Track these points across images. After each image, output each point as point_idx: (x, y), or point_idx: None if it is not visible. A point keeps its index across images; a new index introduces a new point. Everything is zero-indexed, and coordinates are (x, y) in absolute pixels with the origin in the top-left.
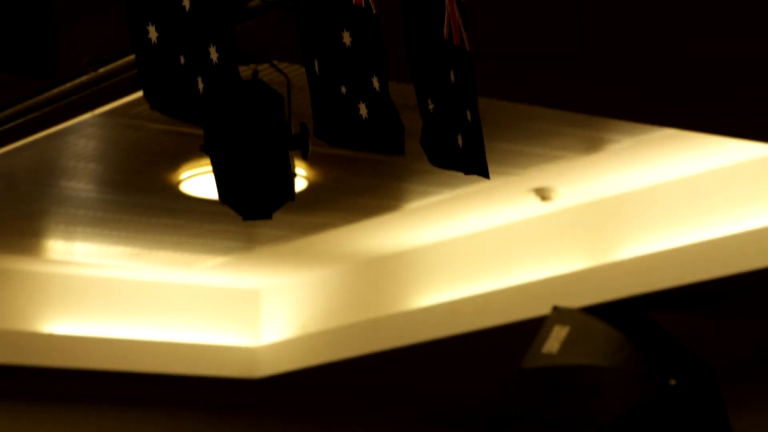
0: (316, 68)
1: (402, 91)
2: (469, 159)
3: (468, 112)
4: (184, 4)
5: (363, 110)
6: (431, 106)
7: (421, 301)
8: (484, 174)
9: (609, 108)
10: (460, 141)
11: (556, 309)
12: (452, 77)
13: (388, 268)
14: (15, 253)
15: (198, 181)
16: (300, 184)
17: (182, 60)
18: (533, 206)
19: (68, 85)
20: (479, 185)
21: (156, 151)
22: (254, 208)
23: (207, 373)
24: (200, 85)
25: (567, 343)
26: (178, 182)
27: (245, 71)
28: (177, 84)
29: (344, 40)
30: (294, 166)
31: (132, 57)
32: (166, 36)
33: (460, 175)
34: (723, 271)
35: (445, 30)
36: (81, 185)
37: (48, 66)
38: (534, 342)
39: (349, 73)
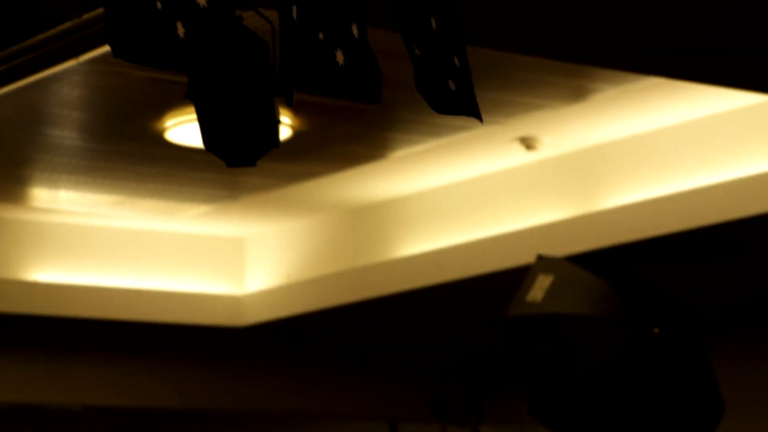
0: (294, 14)
1: (388, 39)
2: (463, 103)
3: (456, 59)
4: None
5: (340, 57)
6: (417, 53)
7: (406, 249)
8: (478, 117)
9: (594, 56)
10: (452, 86)
11: (540, 258)
12: (434, 24)
13: (373, 217)
14: None
15: (183, 129)
16: (284, 132)
17: (159, 5)
18: (518, 155)
19: (52, 31)
20: (464, 134)
21: (141, 99)
22: (239, 154)
23: (191, 322)
24: (180, 30)
25: (551, 292)
26: (163, 130)
27: None
28: (152, 30)
29: None
30: (279, 113)
31: None
32: None
33: (445, 123)
34: (708, 220)
35: None
36: (65, 133)
37: (27, 8)
38: (518, 291)
39: (327, 19)
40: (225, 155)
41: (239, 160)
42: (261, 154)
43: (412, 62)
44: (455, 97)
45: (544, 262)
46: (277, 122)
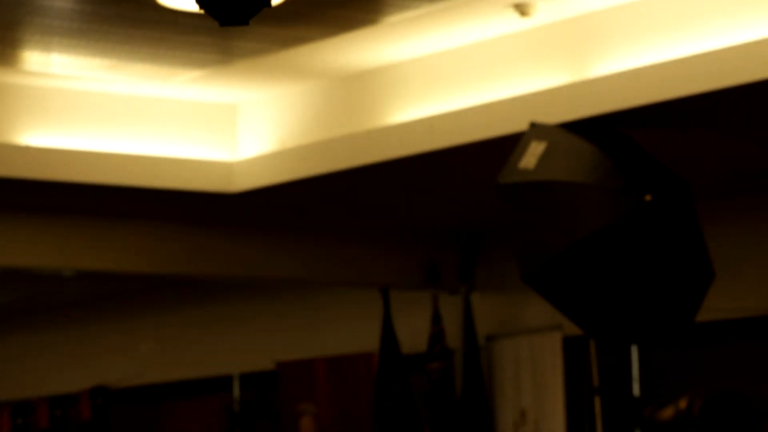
0: None
1: None
2: None
3: None
4: None
5: None
6: None
7: (399, 116)
8: None
9: None
10: None
11: (533, 125)
12: None
13: (367, 83)
14: None
15: None
16: None
17: None
18: (512, 21)
19: None
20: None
21: None
22: (231, 14)
23: (183, 187)
24: None
25: (544, 159)
26: None
27: None
28: None
29: None
30: None
31: None
32: None
33: None
34: (700, 88)
35: None
36: None
37: None
38: (511, 157)
39: None
40: (218, 14)
41: (232, 19)
42: (253, 13)
43: None
44: None
45: (537, 129)
46: None
